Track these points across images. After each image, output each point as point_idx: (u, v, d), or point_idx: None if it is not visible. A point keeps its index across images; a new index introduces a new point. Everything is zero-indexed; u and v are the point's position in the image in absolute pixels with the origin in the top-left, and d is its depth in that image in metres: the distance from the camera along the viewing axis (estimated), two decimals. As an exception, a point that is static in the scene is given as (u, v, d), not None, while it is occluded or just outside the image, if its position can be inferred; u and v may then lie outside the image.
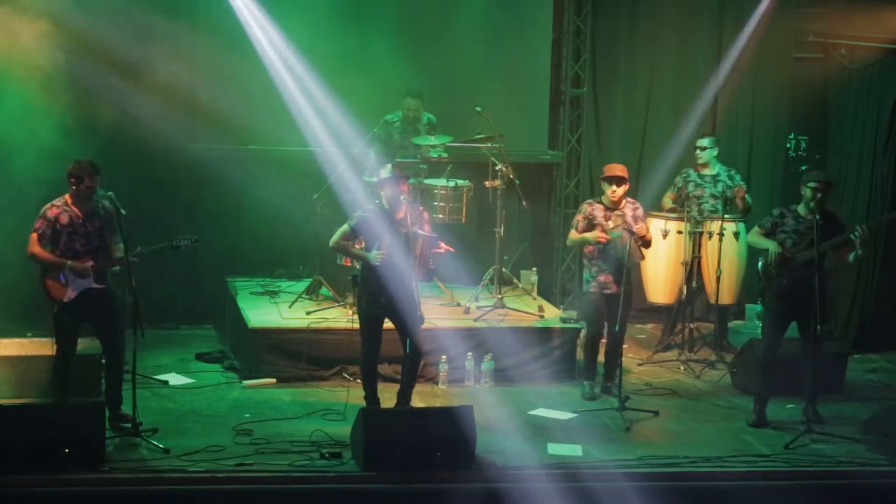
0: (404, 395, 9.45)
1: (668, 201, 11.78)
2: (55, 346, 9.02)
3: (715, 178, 11.68)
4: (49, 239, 8.88)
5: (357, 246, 9.51)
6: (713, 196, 11.59)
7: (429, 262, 9.32)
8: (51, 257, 8.88)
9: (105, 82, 11.16)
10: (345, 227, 9.40)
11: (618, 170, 10.26)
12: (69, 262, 8.86)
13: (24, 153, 10.96)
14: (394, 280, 9.19)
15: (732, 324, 12.75)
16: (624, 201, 10.24)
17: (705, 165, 11.70)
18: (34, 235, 8.91)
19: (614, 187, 10.14)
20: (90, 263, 8.88)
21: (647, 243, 10.25)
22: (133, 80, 11.28)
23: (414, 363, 9.44)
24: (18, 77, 10.89)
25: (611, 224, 10.11)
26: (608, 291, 10.19)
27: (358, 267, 9.53)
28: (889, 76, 12.34)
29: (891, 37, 12.29)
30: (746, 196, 11.60)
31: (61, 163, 10.25)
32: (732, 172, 11.81)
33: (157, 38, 11.31)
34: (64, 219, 8.89)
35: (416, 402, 9.67)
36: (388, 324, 9.42)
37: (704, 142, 11.75)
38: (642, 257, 10.30)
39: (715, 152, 11.72)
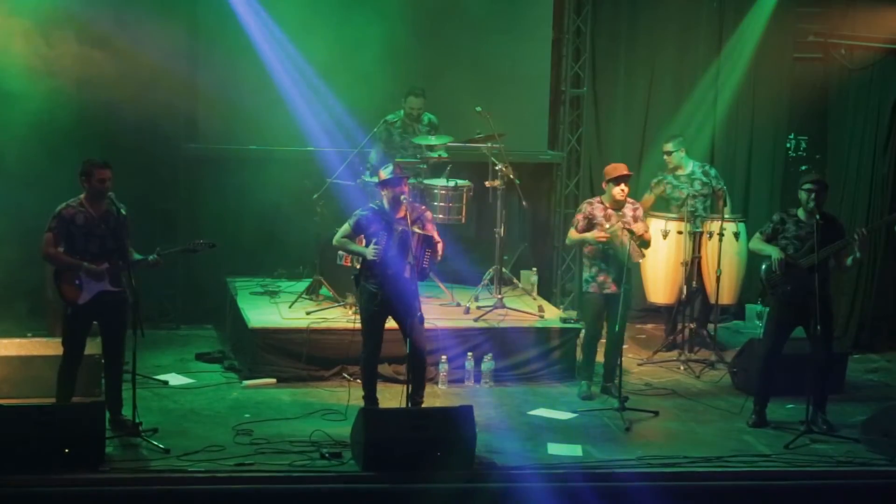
0: (415, 396, 9.41)
1: (646, 203, 11.71)
2: (63, 348, 8.94)
3: (691, 178, 11.67)
4: (64, 239, 8.76)
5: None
6: (692, 196, 11.59)
7: (422, 262, 9.30)
8: (68, 260, 8.74)
9: (104, 82, 11.15)
10: (346, 226, 9.44)
11: (623, 168, 10.27)
12: (86, 265, 8.74)
13: (22, 156, 10.97)
14: (392, 278, 9.21)
15: (732, 324, 12.77)
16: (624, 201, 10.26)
17: (677, 168, 11.69)
18: (49, 236, 8.75)
19: (622, 186, 10.15)
20: (105, 266, 8.79)
21: (646, 243, 10.26)
22: (133, 79, 11.27)
23: (416, 363, 9.40)
24: (16, 79, 10.90)
25: (609, 224, 10.11)
26: (607, 291, 10.20)
27: (358, 266, 9.54)
28: (889, 76, 12.35)
29: (891, 37, 12.30)
30: (726, 198, 11.64)
31: (60, 165, 10.28)
32: (707, 168, 11.81)
33: (157, 38, 11.30)
34: (79, 219, 8.76)
35: (417, 402, 9.68)
36: (390, 323, 9.43)
37: (669, 146, 11.69)
38: (642, 256, 10.30)
39: (682, 153, 11.70)
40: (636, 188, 12.19)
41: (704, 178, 11.65)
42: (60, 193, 9.03)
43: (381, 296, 9.25)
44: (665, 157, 11.71)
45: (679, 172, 11.67)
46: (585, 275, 10.36)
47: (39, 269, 10.20)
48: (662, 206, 11.77)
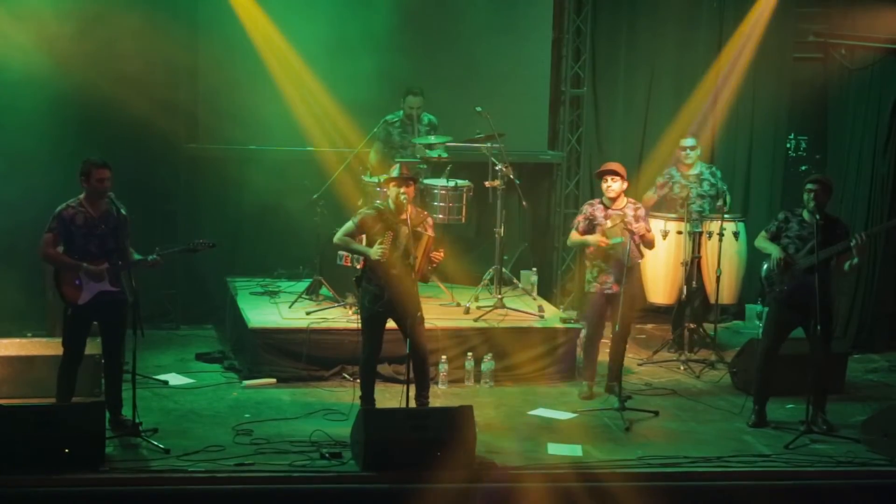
0: (419, 396, 9.40)
1: (648, 202, 11.71)
2: (63, 348, 8.94)
3: (699, 178, 11.68)
4: (63, 239, 8.74)
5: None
6: (700, 196, 11.59)
7: (428, 264, 9.31)
8: (67, 260, 8.72)
9: (104, 82, 11.15)
10: (349, 224, 9.42)
11: (611, 165, 10.29)
12: (85, 265, 8.72)
13: (24, 157, 10.97)
14: (396, 279, 9.19)
15: (732, 324, 12.77)
16: (625, 201, 10.24)
17: (691, 165, 11.69)
18: (49, 236, 8.72)
19: (609, 181, 10.14)
20: (105, 266, 8.78)
21: (648, 243, 10.25)
22: (133, 79, 11.27)
23: (417, 362, 9.38)
24: (17, 78, 10.90)
25: (609, 223, 10.11)
26: (609, 291, 10.19)
27: (359, 266, 9.53)
28: (889, 76, 12.34)
29: (891, 37, 12.29)
30: (726, 197, 11.65)
31: (59, 165, 10.28)
32: (714, 169, 11.83)
33: (157, 37, 11.30)
34: (79, 220, 8.74)
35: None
36: (390, 323, 9.42)
37: (691, 142, 11.72)
38: (641, 256, 10.30)
39: (699, 152, 11.73)
40: (636, 188, 12.19)
41: (712, 179, 11.66)
42: (59, 193, 9.03)
43: (384, 297, 9.23)
44: (686, 151, 11.68)
45: (688, 171, 11.67)
46: (587, 275, 10.36)
47: (44, 269, 10.19)
48: (665, 204, 11.72)
